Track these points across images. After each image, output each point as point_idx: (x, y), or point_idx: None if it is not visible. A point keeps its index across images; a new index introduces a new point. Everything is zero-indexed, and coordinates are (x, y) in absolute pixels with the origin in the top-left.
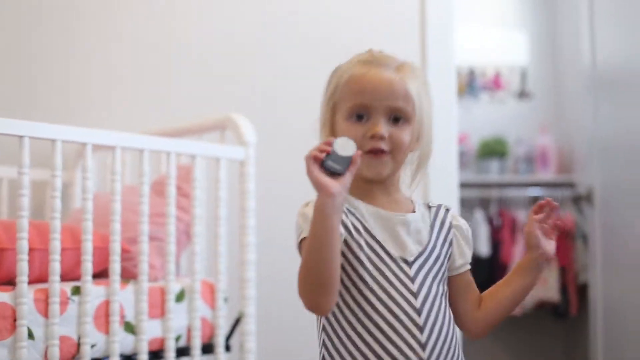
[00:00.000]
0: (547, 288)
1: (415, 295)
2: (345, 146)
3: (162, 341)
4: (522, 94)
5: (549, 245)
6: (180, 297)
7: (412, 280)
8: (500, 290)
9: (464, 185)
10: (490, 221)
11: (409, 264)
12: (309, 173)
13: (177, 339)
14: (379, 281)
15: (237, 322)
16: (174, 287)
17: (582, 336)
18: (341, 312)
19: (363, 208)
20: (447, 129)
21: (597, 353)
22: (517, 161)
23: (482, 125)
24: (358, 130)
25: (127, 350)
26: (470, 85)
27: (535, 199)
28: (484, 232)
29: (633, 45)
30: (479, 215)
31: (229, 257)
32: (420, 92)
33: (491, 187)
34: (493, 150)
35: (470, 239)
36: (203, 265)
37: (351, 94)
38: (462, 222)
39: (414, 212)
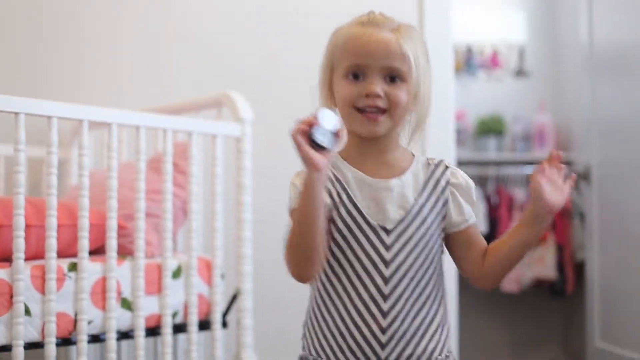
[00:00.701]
0: (544, 266)
1: (387, 263)
2: (329, 119)
3: (159, 317)
4: (520, 72)
5: (558, 196)
6: (177, 273)
7: (388, 248)
8: (501, 245)
9: (461, 163)
10: (487, 199)
11: (388, 232)
12: (299, 147)
13: (174, 315)
14: (353, 248)
15: (233, 298)
16: (171, 264)
17: (579, 314)
18: (323, 276)
19: (350, 174)
20: (444, 106)
21: (593, 330)
22: (514, 139)
23: (480, 103)
24: (354, 89)
25: (124, 326)
26: (467, 63)
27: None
28: (481, 209)
29: (631, 24)
30: (476, 193)
31: (225, 233)
32: (417, 52)
33: (488, 165)
34: (490, 128)
35: (472, 196)
36: (200, 241)
37: (347, 54)
38: (463, 180)
39: (404, 174)
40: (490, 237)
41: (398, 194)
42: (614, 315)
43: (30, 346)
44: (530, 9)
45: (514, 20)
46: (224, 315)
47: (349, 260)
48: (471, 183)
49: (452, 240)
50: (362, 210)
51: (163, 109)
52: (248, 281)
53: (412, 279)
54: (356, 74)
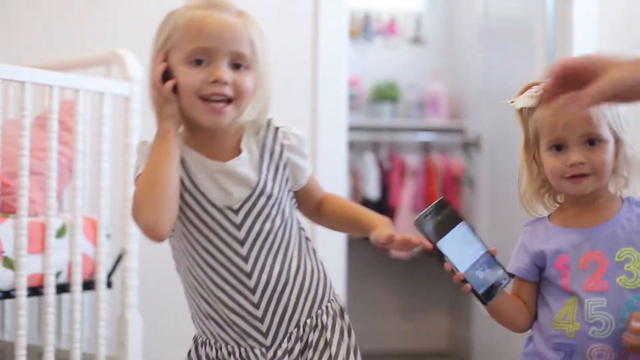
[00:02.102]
0: None
1: (241, 242)
2: None
3: (42, 277)
4: (416, 40)
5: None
6: (61, 232)
7: (239, 227)
8: (339, 214)
9: (354, 129)
10: (380, 165)
11: (236, 212)
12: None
13: (58, 275)
14: (203, 232)
15: (119, 258)
16: (55, 223)
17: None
18: (185, 263)
19: (190, 159)
20: (337, 72)
21: None
22: (408, 106)
23: (376, 69)
24: (198, 75)
25: (6, 285)
26: (364, 29)
27: (425, 144)
28: (373, 175)
29: None
30: (369, 159)
31: (111, 193)
32: (262, 41)
33: (382, 131)
34: (385, 94)
35: (304, 150)
36: (85, 201)
37: (191, 37)
38: (294, 138)
39: (241, 152)
40: (381, 203)
41: (238, 173)
42: None
43: None
44: None
45: None
46: (109, 275)
47: (201, 245)
48: (302, 137)
49: (296, 195)
50: (206, 194)
51: (51, 66)
52: (134, 241)
53: (269, 251)
54: (199, 60)
